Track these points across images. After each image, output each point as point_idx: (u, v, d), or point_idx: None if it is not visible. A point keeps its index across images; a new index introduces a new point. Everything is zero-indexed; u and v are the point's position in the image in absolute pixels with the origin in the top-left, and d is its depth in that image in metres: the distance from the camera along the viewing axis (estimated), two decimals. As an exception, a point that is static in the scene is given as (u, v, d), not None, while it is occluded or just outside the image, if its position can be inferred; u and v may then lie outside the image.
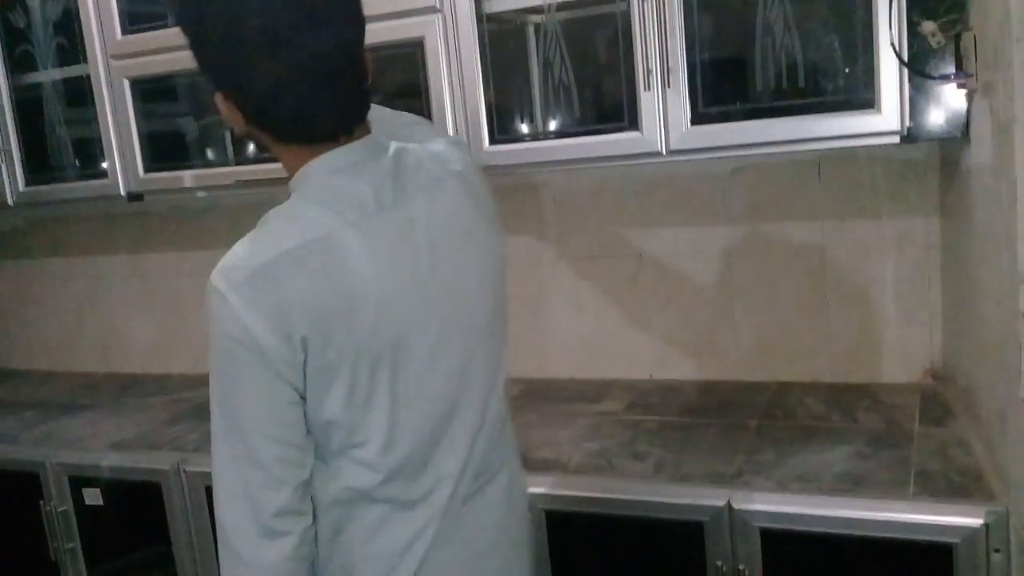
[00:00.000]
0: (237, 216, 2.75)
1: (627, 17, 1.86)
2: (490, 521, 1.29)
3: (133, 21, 2.34)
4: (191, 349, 2.96)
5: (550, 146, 2.01)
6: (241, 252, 1.10)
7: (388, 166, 1.18)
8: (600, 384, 2.40)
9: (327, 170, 1.15)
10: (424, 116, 2.02)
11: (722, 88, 1.91)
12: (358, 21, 1.15)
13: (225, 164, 2.44)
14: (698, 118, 1.84)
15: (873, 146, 1.75)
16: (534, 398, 2.34)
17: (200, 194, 2.55)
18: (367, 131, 1.19)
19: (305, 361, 1.09)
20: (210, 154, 2.60)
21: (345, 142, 1.16)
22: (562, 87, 2.02)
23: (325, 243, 1.10)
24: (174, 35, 1.18)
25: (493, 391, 1.29)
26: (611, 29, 1.92)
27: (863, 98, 1.73)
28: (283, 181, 1.20)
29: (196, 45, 1.12)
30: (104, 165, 2.46)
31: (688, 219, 2.28)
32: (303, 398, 1.12)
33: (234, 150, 2.51)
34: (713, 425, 2.01)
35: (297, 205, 1.15)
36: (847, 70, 1.77)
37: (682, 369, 2.35)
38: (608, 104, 1.99)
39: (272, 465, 1.10)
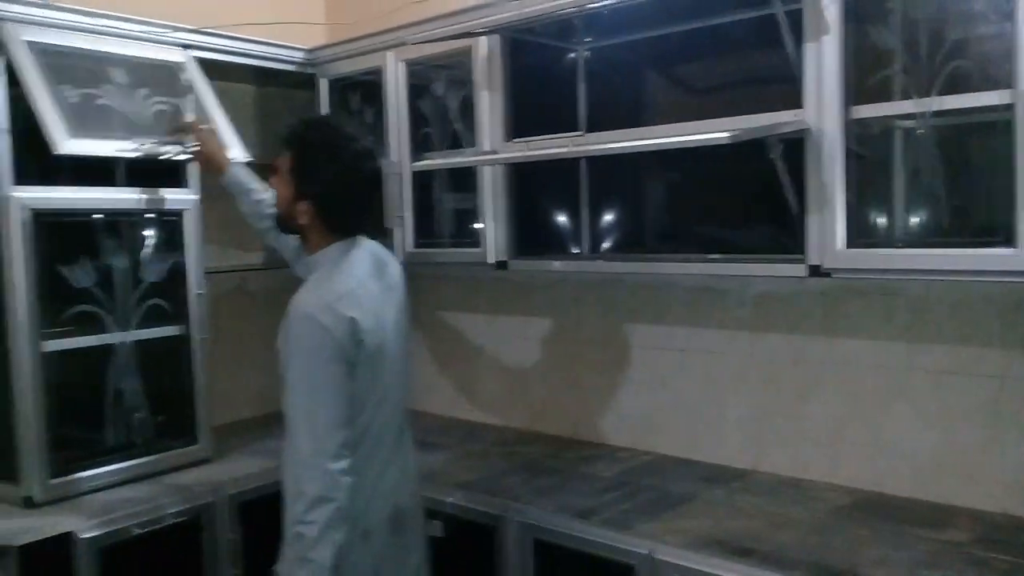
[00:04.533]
0: (580, 291, 2.99)
1: (1010, 127, 1.77)
2: (409, 456, 2.10)
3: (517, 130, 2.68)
4: (529, 406, 3.19)
5: (911, 255, 1.96)
6: (317, 294, 1.86)
7: (369, 251, 2.02)
8: (943, 509, 2.23)
9: (343, 249, 1.96)
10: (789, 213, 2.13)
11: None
12: None
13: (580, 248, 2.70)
14: (1089, 240, 1.69)
15: None
16: (866, 512, 2.24)
17: (556, 267, 2.79)
18: None
19: (356, 354, 1.84)
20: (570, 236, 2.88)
21: None
22: (930, 195, 1.96)
23: (363, 287, 1.92)
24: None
25: (406, 384, 2.10)
26: (993, 139, 1.83)
27: None
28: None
29: (312, 175, 1.92)
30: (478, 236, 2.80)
31: (1065, 344, 2.08)
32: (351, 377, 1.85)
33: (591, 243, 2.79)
34: (1078, 579, 1.80)
35: (337, 268, 1.92)
36: None
37: (1043, 508, 2.12)
38: (981, 217, 1.90)
39: (337, 415, 1.81)
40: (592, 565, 2.18)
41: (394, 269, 2.09)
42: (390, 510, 1.99)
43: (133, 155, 2.55)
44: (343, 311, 1.83)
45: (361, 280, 1.92)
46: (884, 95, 1.99)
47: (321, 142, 1.93)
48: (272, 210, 2.20)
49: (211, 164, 2.56)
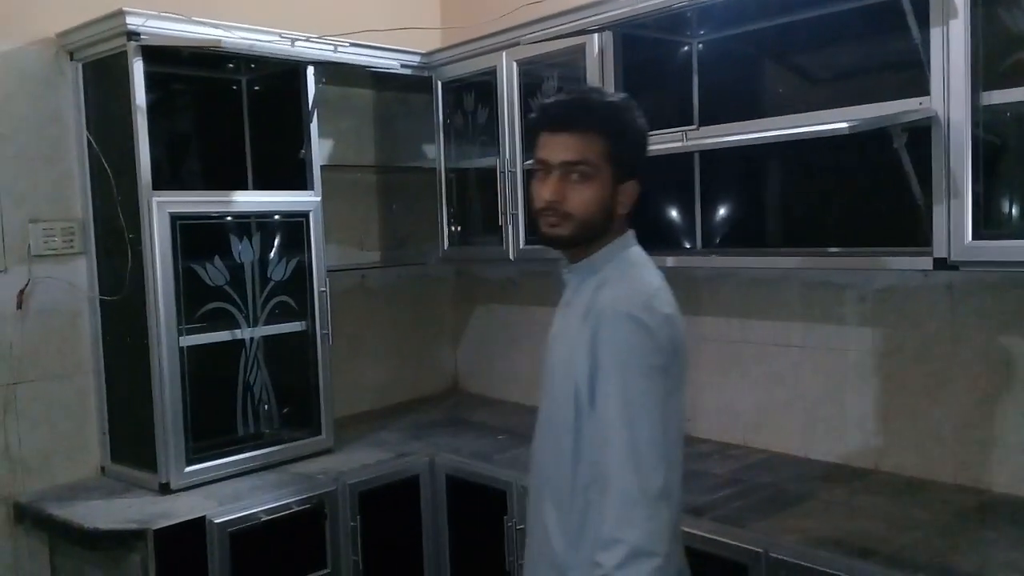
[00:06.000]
0: (693, 287, 2.96)
1: None
2: None
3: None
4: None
5: (1047, 245, 1.86)
6: (632, 288, 1.53)
7: None
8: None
9: (629, 240, 1.64)
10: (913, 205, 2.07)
11: None
12: None
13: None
14: None
15: None
16: (995, 514, 2.15)
17: (668, 263, 2.77)
18: None
19: (672, 367, 1.50)
20: (682, 231, 2.85)
21: None
22: (1067, 183, 1.86)
23: (667, 288, 1.59)
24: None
25: None
26: None
27: None
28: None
29: (634, 150, 1.60)
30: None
31: None
32: None
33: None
34: None
35: (642, 263, 1.61)
36: None
37: None
38: None
39: (663, 445, 1.46)
40: (704, 563, 2.14)
41: None
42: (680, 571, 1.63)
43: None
44: (661, 308, 1.52)
45: (661, 277, 1.61)
46: (1017, 80, 1.90)
47: (632, 112, 1.61)
48: None
49: None
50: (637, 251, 1.63)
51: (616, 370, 1.46)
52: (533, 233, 3.00)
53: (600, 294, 1.53)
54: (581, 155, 1.54)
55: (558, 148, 1.55)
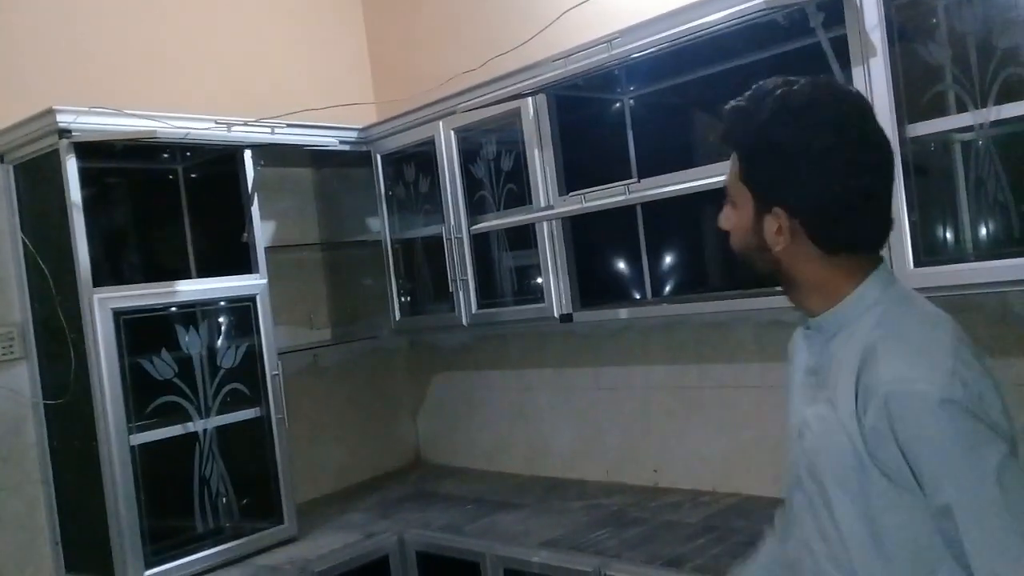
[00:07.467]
0: (647, 336, 2.97)
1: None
2: None
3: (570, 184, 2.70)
4: (605, 457, 3.16)
5: (984, 267, 1.91)
6: (919, 360, 1.15)
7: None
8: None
9: (884, 282, 1.26)
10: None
11: None
12: None
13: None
14: None
15: None
16: None
17: (622, 315, 2.79)
18: None
19: (1010, 431, 1.14)
20: (632, 282, 2.87)
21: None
22: (996, 205, 1.92)
23: (958, 330, 1.21)
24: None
25: None
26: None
27: None
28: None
29: (778, 168, 1.23)
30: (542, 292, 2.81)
31: None
32: None
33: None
34: None
35: (909, 301, 1.26)
36: None
37: None
38: (1056, 222, 1.85)
39: None
40: (690, 615, 2.13)
41: None
42: None
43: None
44: (972, 369, 1.15)
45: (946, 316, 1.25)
46: (939, 110, 1.97)
47: (787, 122, 1.24)
48: None
49: None
50: (899, 293, 1.27)
51: (956, 479, 1.12)
52: (486, 296, 3.00)
53: (875, 366, 1.17)
54: (726, 179, 1.33)
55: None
